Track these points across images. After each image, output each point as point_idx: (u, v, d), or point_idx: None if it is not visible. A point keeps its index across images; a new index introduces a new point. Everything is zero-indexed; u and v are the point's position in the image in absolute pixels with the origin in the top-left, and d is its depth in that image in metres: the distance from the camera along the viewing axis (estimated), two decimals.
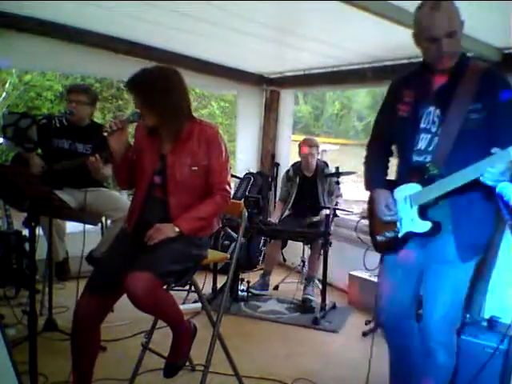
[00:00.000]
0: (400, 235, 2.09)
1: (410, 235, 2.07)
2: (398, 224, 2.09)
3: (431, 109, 2.00)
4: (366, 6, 2.64)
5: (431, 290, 2.09)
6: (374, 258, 2.80)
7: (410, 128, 2.04)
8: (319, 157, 4.73)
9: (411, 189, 2.03)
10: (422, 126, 2.02)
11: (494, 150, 1.70)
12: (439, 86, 2.00)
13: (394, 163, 2.27)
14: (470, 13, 2.82)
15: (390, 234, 2.13)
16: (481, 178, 1.75)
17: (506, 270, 2.99)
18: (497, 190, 2.53)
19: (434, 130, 1.99)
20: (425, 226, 2.00)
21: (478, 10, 2.75)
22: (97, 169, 3.23)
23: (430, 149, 2.00)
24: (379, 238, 2.20)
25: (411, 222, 2.04)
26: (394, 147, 2.25)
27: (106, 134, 2.18)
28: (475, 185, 1.80)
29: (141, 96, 2.18)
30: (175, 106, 2.21)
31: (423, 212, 2.01)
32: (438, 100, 1.99)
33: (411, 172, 2.05)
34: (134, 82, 2.18)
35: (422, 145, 2.02)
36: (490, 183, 1.75)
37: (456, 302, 2.09)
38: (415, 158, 2.04)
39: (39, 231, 3.04)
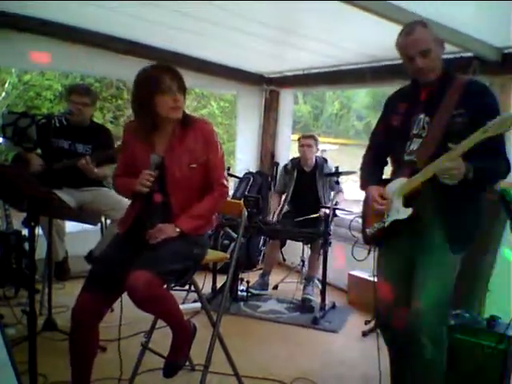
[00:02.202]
0: (386, 225, 2.26)
1: (395, 225, 2.22)
2: (386, 215, 2.26)
3: (421, 116, 2.22)
4: (365, 6, 2.65)
5: (419, 280, 2.17)
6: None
7: (404, 134, 2.25)
8: (318, 154, 4.75)
9: (399, 182, 2.23)
10: (414, 132, 2.23)
11: (451, 145, 1.95)
12: (427, 97, 2.22)
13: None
14: (470, 12, 2.84)
15: (378, 226, 2.31)
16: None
17: (505, 270, 2.99)
18: (499, 190, 2.58)
19: (423, 134, 2.19)
20: (406, 212, 2.18)
21: (478, 9, 2.76)
22: (87, 170, 3.24)
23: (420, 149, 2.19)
24: (368, 230, 2.38)
25: (396, 211, 2.22)
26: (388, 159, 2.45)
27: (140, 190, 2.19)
28: (462, 180, 1.98)
29: (182, 84, 2.21)
30: None
31: (407, 201, 2.19)
32: (426, 108, 2.21)
33: (403, 169, 2.25)
34: (176, 71, 2.21)
35: (413, 147, 2.22)
36: (447, 181, 1.98)
37: (445, 292, 2.17)
38: (406, 157, 2.23)
39: (39, 231, 3.04)
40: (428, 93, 2.22)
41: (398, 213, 2.21)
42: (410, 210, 2.18)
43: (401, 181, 2.22)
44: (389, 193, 2.26)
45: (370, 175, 2.44)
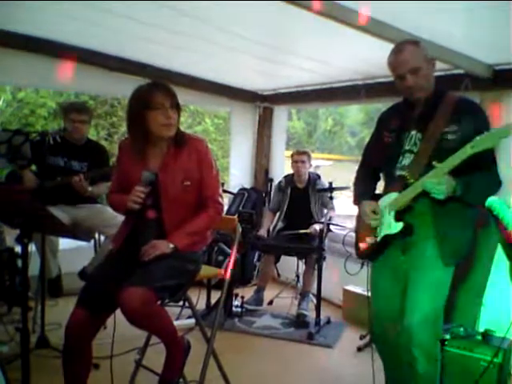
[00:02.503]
0: (379, 239, 2.29)
1: (387, 238, 2.26)
2: (378, 230, 2.29)
3: (413, 133, 2.25)
4: (358, 25, 2.69)
5: (412, 294, 2.19)
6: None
7: (396, 150, 2.28)
8: (312, 170, 4.78)
9: (390, 197, 2.25)
10: (406, 147, 2.26)
11: (435, 163, 2.01)
12: (419, 113, 2.26)
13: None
14: (461, 29, 2.89)
15: (370, 240, 2.34)
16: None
17: (499, 284, 3.00)
18: (486, 204, 2.60)
19: (415, 150, 2.22)
20: (398, 227, 2.21)
21: (469, 26, 2.81)
22: (81, 188, 3.24)
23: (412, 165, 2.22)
24: (361, 244, 2.41)
25: (388, 226, 2.24)
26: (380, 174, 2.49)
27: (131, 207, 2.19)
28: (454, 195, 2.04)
29: (175, 101, 2.22)
30: None
31: (399, 216, 2.22)
32: (418, 125, 2.24)
33: (394, 184, 2.27)
34: (170, 88, 2.23)
35: (405, 162, 2.24)
36: (435, 195, 2.02)
37: (436, 305, 2.19)
38: (398, 172, 2.26)
39: (32, 248, 3.03)
40: (420, 109, 2.25)
41: (390, 227, 2.23)
42: (401, 225, 2.20)
43: (392, 196, 2.24)
44: (381, 207, 2.29)
45: (363, 190, 2.47)
